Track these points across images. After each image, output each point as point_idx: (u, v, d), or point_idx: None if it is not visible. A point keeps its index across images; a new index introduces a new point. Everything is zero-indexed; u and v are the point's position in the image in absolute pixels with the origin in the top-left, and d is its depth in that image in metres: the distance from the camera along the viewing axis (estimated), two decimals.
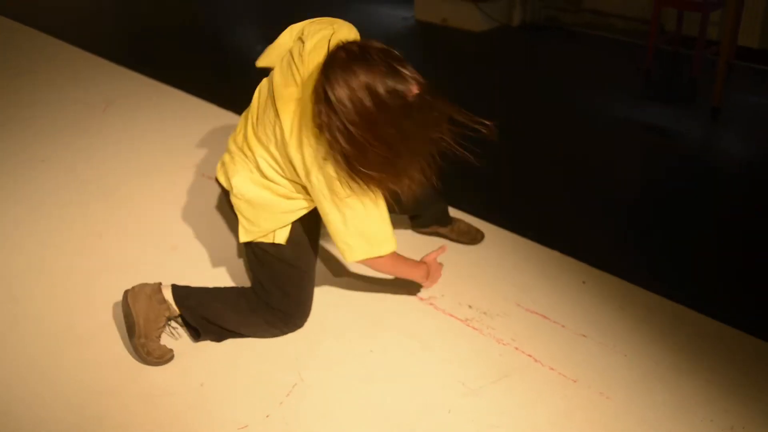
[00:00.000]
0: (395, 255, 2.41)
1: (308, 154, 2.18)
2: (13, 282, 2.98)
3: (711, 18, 4.91)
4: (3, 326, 2.72)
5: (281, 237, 2.47)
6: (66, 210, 3.49)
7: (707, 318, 2.63)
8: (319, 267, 2.92)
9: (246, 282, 2.90)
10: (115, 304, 2.80)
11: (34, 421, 2.29)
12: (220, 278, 2.94)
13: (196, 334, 2.56)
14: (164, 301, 2.51)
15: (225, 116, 4.44)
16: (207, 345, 2.58)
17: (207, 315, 2.52)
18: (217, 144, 4.08)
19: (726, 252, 3.07)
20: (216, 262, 3.05)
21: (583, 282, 2.83)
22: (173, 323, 2.62)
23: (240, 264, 3.03)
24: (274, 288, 2.51)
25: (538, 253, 3.02)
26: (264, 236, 2.48)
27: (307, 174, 2.22)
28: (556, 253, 3.01)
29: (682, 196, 3.50)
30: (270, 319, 2.53)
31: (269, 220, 2.45)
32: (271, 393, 2.35)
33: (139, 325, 2.47)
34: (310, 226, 2.53)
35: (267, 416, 2.27)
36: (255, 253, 2.52)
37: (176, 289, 2.55)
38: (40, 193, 3.66)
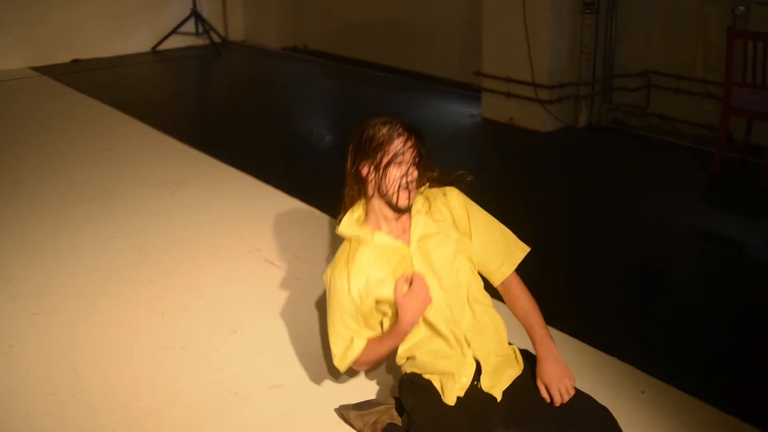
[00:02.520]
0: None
1: None
2: (75, 353, 3.06)
3: None
4: (61, 399, 2.77)
5: None
6: (131, 286, 3.58)
7: None
8: None
9: (307, 368, 2.92)
10: (170, 385, 2.84)
11: None
12: (275, 365, 2.96)
13: None
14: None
15: (290, 203, 4.53)
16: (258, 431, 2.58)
17: None
18: (282, 230, 4.17)
19: None
20: (272, 348, 3.07)
21: (642, 392, 2.76)
22: None
23: (294, 353, 3.04)
24: None
25: (595, 359, 2.97)
26: None
27: None
28: (614, 360, 2.96)
29: (748, 309, 3.42)
30: None
31: None
32: None
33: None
34: None
35: None
36: None
37: None
38: (105, 269, 3.76)
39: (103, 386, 2.85)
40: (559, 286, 3.61)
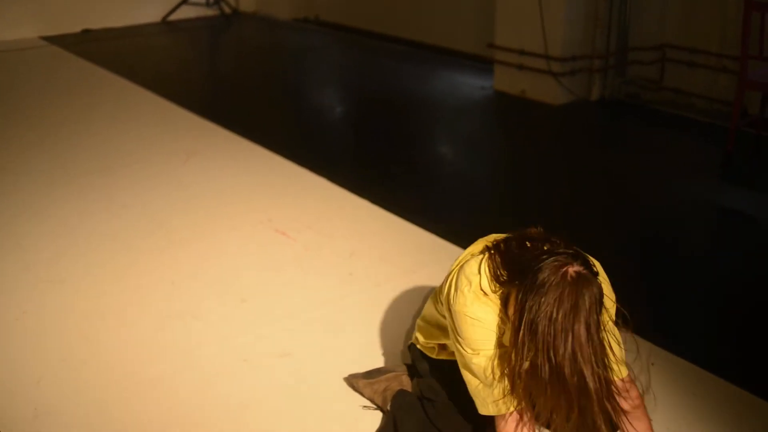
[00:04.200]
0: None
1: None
2: (87, 322, 3.07)
3: None
4: (73, 365, 2.79)
5: None
6: (141, 255, 3.59)
7: None
8: None
9: (316, 337, 2.93)
10: (181, 352, 2.85)
11: None
12: (285, 334, 2.96)
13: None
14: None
15: (301, 174, 4.52)
16: (268, 399, 2.59)
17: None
18: (293, 201, 4.16)
19: None
20: (282, 317, 3.08)
21: (652, 363, 2.76)
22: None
23: (304, 322, 3.05)
24: None
25: None
26: None
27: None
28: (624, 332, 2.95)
29: (761, 284, 3.40)
30: None
31: None
32: None
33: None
34: None
35: None
36: None
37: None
38: (117, 237, 3.77)
39: (114, 353, 2.86)
40: None
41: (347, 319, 3.05)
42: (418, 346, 2.39)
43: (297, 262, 3.51)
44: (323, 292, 3.26)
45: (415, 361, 2.42)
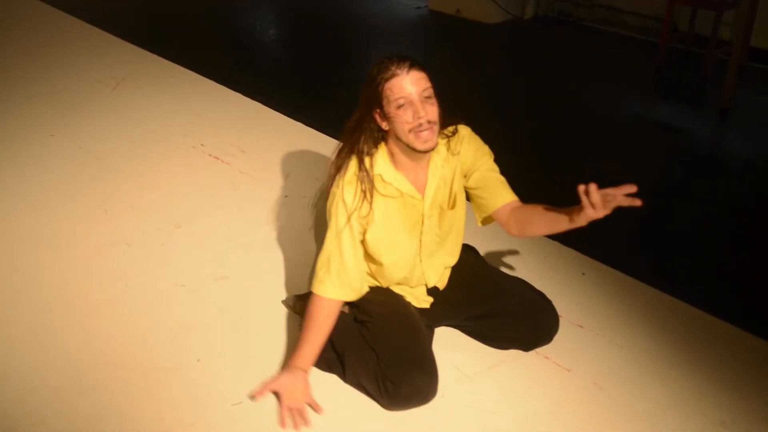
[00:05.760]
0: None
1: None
2: (17, 253, 3.01)
3: (724, 18, 4.90)
4: (5, 296, 2.74)
5: None
6: (72, 185, 3.52)
7: (706, 315, 2.63)
8: None
9: (252, 260, 2.93)
10: (117, 280, 2.83)
11: (32, 387, 2.32)
12: (221, 258, 2.96)
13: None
14: None
15: (234, 98, 4.45)
16: (205, 322, 2.60)
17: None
18: (225, 126, 4.10)
19: (728, 251, 3.07)
20: (218, 242, 3.07)
21: (583, 273, 2.84)
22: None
23: (240, 246, 3.04)
24: None
25: (538, 243, 3.02)
26: None
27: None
28: (556, 244, 3.02)
29: (687, 194, 3.50)
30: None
31: None
32: (267, 372, 2.37)
33: None
34: None
35: None
36: None
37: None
38: (47, 167, 3.68)
39: (48, 283, 2.82)
40: (506, 175, 3.63)
41: (283, 242, 3.05)
42: None
43: (232, 186, 3.49)
44: (259, 216, 3.25)
45: None
